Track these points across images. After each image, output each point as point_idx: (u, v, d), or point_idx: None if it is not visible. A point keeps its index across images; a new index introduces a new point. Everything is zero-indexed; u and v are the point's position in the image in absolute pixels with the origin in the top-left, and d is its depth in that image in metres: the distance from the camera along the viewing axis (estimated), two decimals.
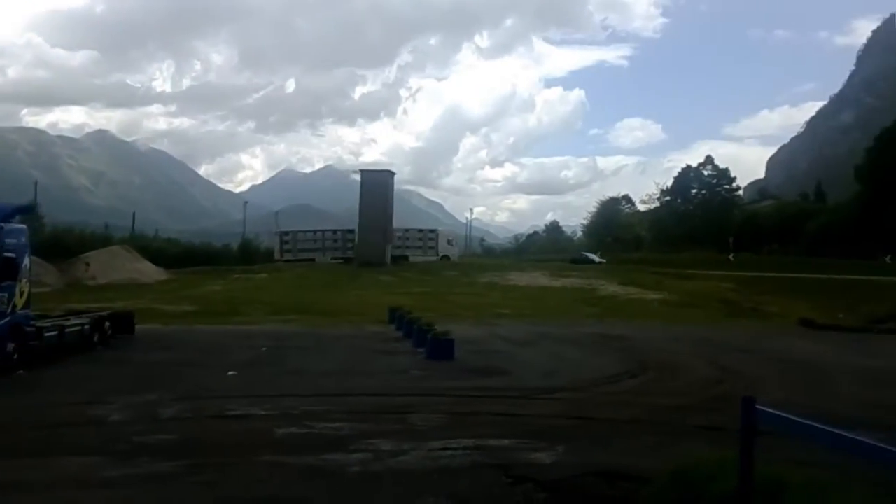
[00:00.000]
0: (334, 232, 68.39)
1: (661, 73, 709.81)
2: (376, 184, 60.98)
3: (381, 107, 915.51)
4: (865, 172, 69.47)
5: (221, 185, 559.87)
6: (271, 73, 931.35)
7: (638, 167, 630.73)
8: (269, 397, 12.97)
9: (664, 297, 43.32)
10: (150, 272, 49.80)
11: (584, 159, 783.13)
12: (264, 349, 20.62)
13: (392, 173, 64.79)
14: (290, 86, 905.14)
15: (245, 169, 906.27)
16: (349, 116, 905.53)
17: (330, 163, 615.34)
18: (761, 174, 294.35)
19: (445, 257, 66.49)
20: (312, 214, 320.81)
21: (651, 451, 9.26)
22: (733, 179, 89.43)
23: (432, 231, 73.66)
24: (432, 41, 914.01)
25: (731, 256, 65.71)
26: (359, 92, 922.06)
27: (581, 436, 10.23)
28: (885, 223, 61.01)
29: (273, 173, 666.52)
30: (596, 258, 69.25)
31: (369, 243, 60.16)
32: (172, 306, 34.02)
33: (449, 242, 70.12)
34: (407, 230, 76.54)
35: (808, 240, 73.25)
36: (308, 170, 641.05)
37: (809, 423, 4.58)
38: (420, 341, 20.33)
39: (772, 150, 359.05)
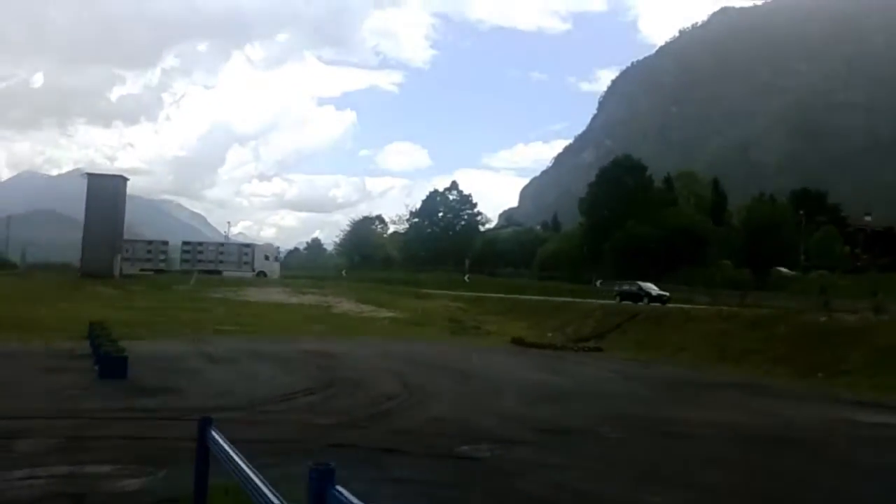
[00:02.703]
0: (149, 243, 69.07)
1: (428, 101, 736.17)
2: (105, 189, 56.73)
3: (141, 110, 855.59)
4: (587, 206, 76.69)
5: None
6: (15, 65, 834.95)
7: (404, 190, 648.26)
8: None
9: (395, 315, 44.27)
10: None
11: (354, 179, 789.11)
12: None
13: (125, 179, 60.57)
14: (38, 80, 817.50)
15: None
16: (105, 118, 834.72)
17: (80, 166, 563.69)
18: (516, 203, 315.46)
19: (262, 273, 64.22)
20: (56, 221, 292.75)
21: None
22: (475, 205, 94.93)
23: (247, 246, 71.23)
24: (201, 47, 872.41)
25: (466, 277, 69.16)
26: (117, 93, 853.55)
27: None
28: (600, 251, 67.70)
29: (13, 174, 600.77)
30: (654, 290, 49.47)
31: (95, 253, 55.71)
32: None
33: (266, 258, 67.83)
34: (222, 244, 74.49)
35: (539, 264, 79.17)
36: (55, 172, 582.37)
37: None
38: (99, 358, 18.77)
39: (525, 182, 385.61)
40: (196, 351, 24.86)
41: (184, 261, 67.23)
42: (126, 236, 63.17)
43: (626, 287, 51.81)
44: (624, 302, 47.61)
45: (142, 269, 61.85)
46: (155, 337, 28.77)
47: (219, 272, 63.44)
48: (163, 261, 66.06)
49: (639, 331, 35.85)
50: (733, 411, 16.60)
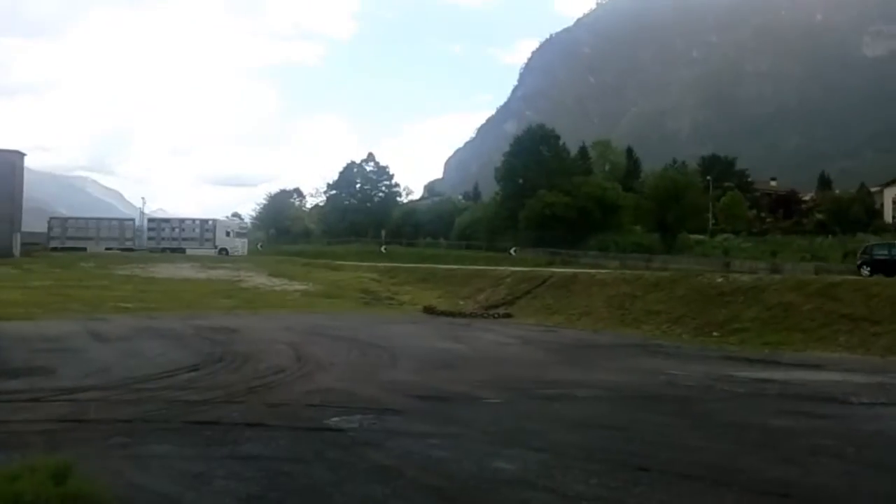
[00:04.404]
0: (121, 221, 70.05)
1: (351, 73, 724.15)
2: (1, 165, 54.07)
3: (50, 84, 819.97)
4: (502, 175, 77.30)
5: None
6: None
7: (328, 162, 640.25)
8: None
9: (307, 287, 43.63)
10: None
11: (276, 152, 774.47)
12: None
13: (22, 154, 57.82)
14: None
15: None
16: (8, 92, 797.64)
17: None
18: (440, 174, 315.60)
19: (223, 250, 61.86)
20: None
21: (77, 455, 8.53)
22: (392, 176, 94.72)
23: (208, 221, 68.37)
24: (109, 17, 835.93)
25: (383, 248, 68.99)
26: (21, 66, 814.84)
27: (36, 443, 9.16)
28: (515, 219, 68.40)
29: None
30: None
31: None
32: None
33: (227, 234, 65.34)
34: (183, 220, 72.17)
35: (457, 233, 79.44)
36: None
37: None
38: None
39: (450, 153, 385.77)
40: (85, 330, 23.83)
41: (150, 238, 66.45)
42: (42, 214, 61.43)
43: (877, 252, 34.02)
44: (876, 275, 30.19)
45: (107, 248, 60.87)
46: (47, 317, 27.56)
47: (182, 250, 62.29)
48: (129, 239, 65.21)
49: (547, 296, 36.28)
50: (621, 372, 16.86)
